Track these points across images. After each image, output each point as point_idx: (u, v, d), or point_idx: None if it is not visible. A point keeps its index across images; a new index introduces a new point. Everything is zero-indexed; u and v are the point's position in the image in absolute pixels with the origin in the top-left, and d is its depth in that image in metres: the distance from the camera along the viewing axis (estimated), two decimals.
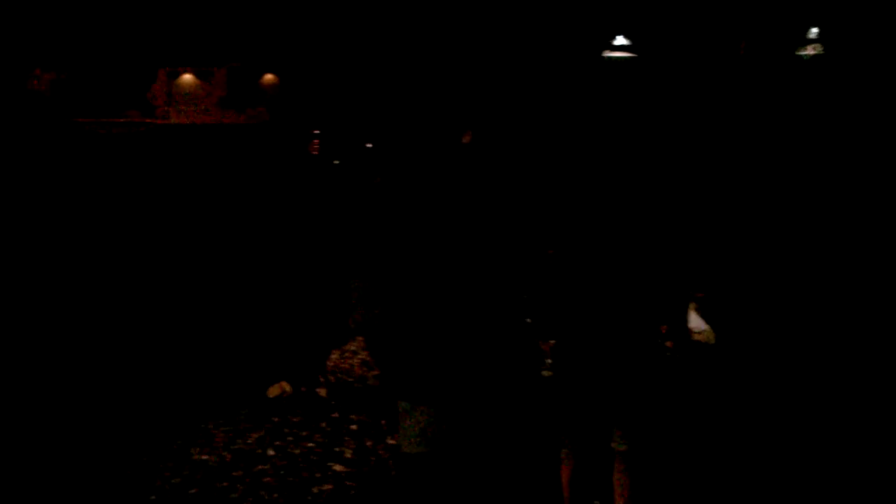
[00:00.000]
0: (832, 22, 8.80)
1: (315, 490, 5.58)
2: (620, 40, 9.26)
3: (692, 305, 5.74)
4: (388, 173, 8.29)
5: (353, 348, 8.31)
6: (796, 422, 6.27)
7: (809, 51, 8.98)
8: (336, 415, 6.87)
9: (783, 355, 7.21)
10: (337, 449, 6.22)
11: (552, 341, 5.07)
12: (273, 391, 7.28)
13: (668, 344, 5.67)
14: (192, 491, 5.52)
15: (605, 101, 9.30)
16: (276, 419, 6.77)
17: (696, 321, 5.80)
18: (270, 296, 7.53)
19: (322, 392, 7.32)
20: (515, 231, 5.79)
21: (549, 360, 5.23)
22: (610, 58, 9.38)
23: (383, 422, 6.63)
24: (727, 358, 6.20)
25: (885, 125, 8.33)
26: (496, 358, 4.57)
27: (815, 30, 8.88)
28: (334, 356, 8.02)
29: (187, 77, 43.35)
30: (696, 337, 5.81)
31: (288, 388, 7.29)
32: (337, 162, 10.71)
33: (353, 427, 6.61)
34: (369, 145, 12.03)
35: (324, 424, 6.68)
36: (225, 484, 5.60)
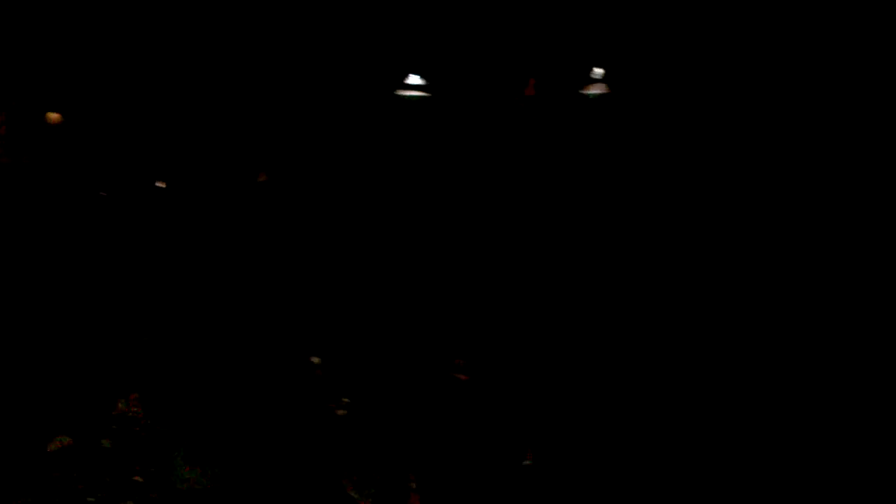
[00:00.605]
0: (617, 62, 9.16)
1: None
2: (413, 79, 9.32)
3: None
4: (177, 214, 8.04)
5: (140, 395, 7.95)
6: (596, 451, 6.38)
7: (594, 90, 9.29)
8: (120, 466, 6.53)
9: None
10: (120, 503, 5.92)
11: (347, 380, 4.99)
12: (53, 445, 6.87)
13: (463, 377, 5.66)
14: None
15: (398, 141, 9.34)
16: (56, 474, 6.38)
17: None
18: (46, 342, 7.13)
19: (106, 443, 6.96)
20: (305, 270, 5.69)
21: (346, 399, 5.15)
22: (402, 96, 9.43)
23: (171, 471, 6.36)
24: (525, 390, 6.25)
25: (667, 166, 8.71)
26: (275, 398, 4.44)
27: (599, 70, 9.21)
28: (120, 404, 7.64)
29: None
30: None
31: (69, 441, 6.89)
32: (123, 202, 10.30)
33: (138, 479, 6.29)
34: (161, 185, 11.65)
35: (107, 478, 6.34)
36: None
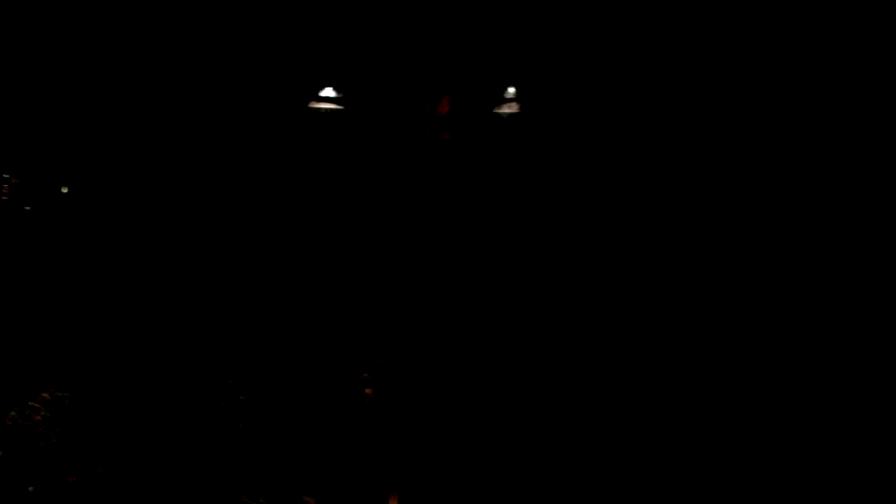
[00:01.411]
0: (527, 82, 9.30)
1: None
2: (328, 92, 9.27)
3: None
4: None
5: (36, 404, 7.74)
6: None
7: (506, 109, 9.41)
8: (12, 480, 6.35)
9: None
10: None
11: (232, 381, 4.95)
12: None
13: (368, 391, 5.64)
14: None
15: (311, 153, 9.30)
16: None
17: None
18: None
19: None
20: (216, 275, 5.64)
21: (246, 411, 5.10)
22: (316, 109, 9.37)
23: (70, 479, 6.20)
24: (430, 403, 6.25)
25: (577, 183, 8.83)
26: (172, 405, 4.38)
27: (511, 89, 9.33)
28: (14, 413, 7.43)
29: None
30: None
31: None
32: (28, 208, 10.07)
33: (30, 488, 6.13)
34: (65, 190, 11.43)
35: None
36: None
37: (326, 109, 9.77)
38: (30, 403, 7.71)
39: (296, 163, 9.07)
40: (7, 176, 9.47)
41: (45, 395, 7.31)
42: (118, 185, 8.81)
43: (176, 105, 9.14)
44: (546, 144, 9.17)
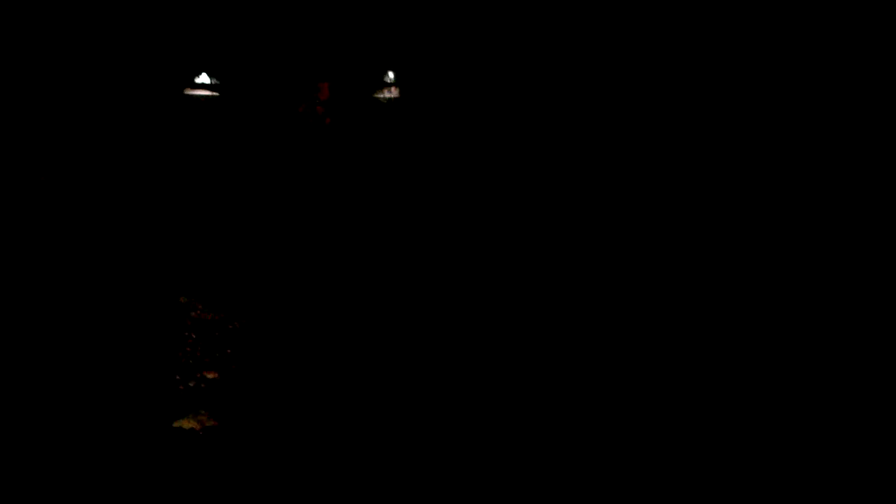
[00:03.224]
0: (407, 67, 9.29)
1: None
2: (203, 78, 9.05)
3: None
4: None
5: None
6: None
7: (386, 94, 9.38)
8: None
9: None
10: None
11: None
12: None
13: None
14: None
15: (186, 140, 9.08)
16: None
17: None
18: None
19: None
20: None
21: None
22: (191, 96, 9.14)
23: None
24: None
25: (456, 166, 8.84)
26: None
27: (391, 74, 9.30)
28: None
29: None
30: None
31: None
32: None
33: None
34: None
35: None
36: None
37: (203, 97, 9.57)
38: None
39: (171, 152, 8.86)
40: None
41: None
42: None
43: (33, 89, 8.84)
44: (425, 127, 9.17)
